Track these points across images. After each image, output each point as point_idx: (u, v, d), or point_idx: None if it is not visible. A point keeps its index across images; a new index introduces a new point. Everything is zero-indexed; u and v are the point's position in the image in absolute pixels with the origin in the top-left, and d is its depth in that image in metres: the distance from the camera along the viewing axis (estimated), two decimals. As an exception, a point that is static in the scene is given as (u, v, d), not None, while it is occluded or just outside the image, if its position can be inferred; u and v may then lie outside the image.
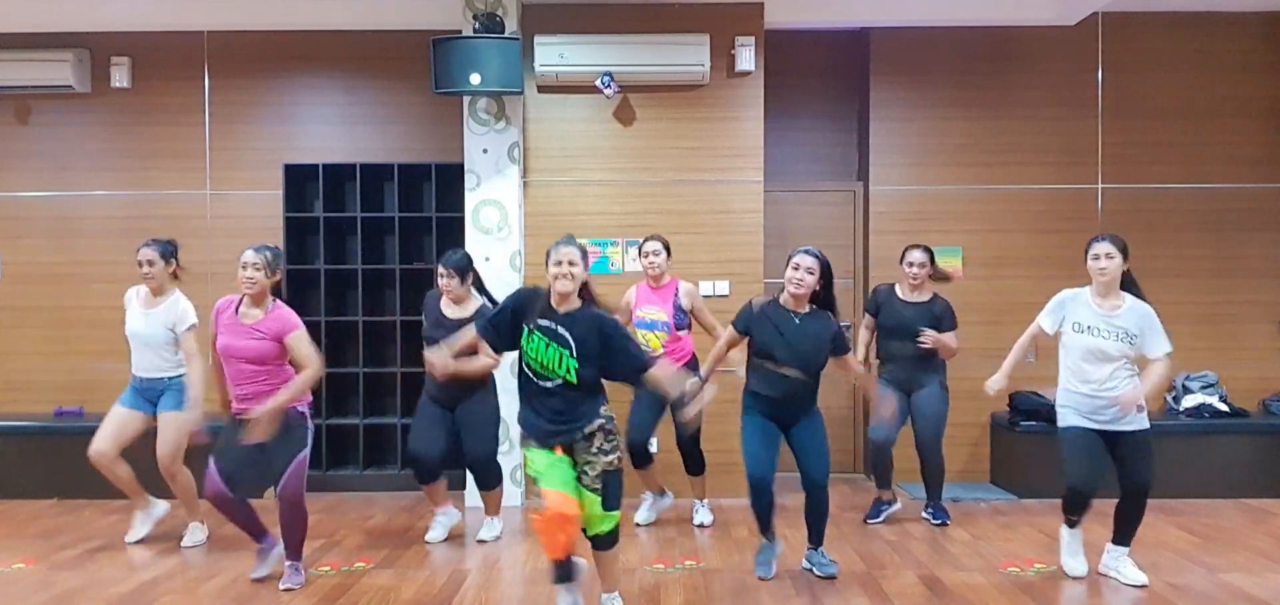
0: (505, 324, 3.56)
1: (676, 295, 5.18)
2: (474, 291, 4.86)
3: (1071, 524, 4.36)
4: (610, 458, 3.49)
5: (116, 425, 4.86)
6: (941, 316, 5.19)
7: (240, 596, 4.12)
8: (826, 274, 4.19)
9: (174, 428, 4.82)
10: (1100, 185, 6.49)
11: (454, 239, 6.05)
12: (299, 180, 6.41)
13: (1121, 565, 4.28)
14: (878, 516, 5.37)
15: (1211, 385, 6.27)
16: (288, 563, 4.26)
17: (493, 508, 5.04)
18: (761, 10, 6.03)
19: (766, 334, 4.19)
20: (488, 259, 5.76)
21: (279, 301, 4.23)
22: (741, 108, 6.06)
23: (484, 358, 4.52)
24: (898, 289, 5.33)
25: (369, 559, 4.68)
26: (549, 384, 3.45)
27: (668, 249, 5.23)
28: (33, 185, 6.56)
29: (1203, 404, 6.13)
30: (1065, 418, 4.24)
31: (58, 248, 6.54)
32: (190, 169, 6.51)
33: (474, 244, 5.80)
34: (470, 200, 5.87)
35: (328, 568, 4.51)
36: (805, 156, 6.78)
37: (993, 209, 6.48)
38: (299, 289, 6.37)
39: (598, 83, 5.85)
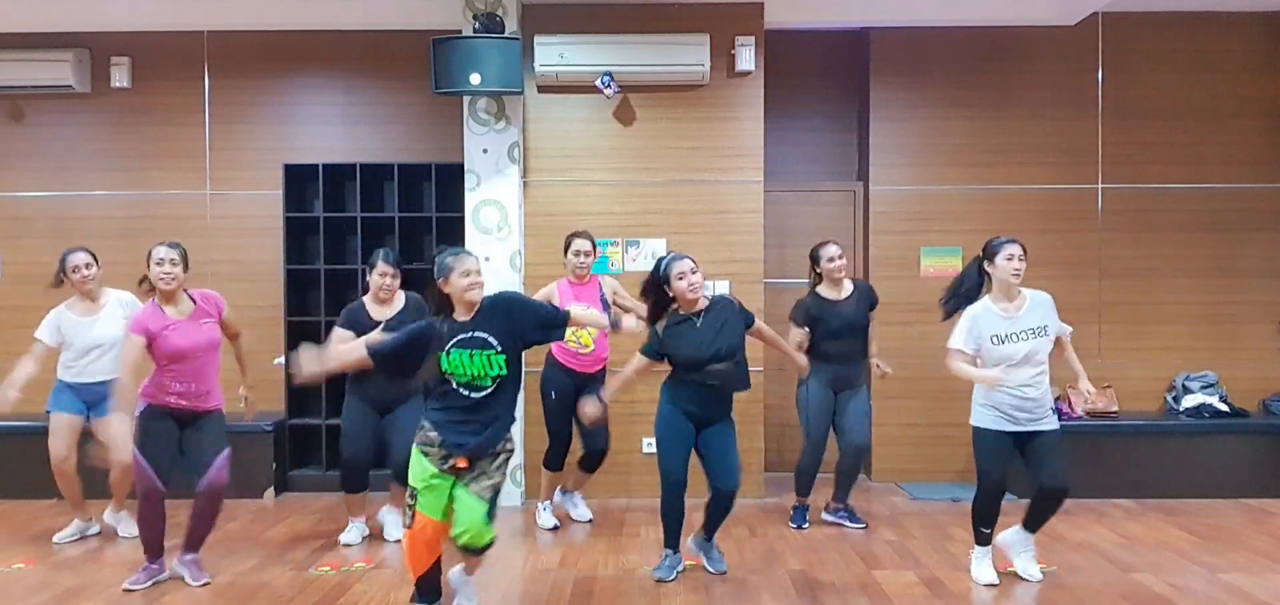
0: (417, 345, 3.55)
1: (600, 290, 5.24)
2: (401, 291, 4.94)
3: (985, 539, 4.29)
4: (501, 476, 3.62)
5: (68, 430, 4.92)
6: (868, 294, 5.26)
7: (240, 596, 4.12)
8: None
9: (124, 426, 4.80)
10: (1100, 185, 6.49)
11: (454, 239, 6.04)
12: (299, 180, 6.41)
13: (1023, 553, 4.30)
14: (804, 522, 5.31)
15: (1211, 385, 6.27)
16: (189, 556, 4.27)
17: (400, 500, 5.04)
18: (761, 10, 6.03)
19: (683, 345, 4.19)
20: (487, 259, 5.76)
21: (186, 289, 4.31)
22: (741, 108, 6.06)
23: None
24: (822, 291, 5.22)
25: (369, 559, 4.68)
26: (482, 393, 3.51)
27: (596, 247, 5.31)
28: (32, 185, 6.56)
29: (1203, 404, 6.13)
30: (983, 417, 4.18)
31: (58, 248, 6.42)
32: (190, 169, 6.51)
33: (474, 244, 5.79)
34: (470, 200, 5.87)
35: (328, 568, 4.51)
36: (805, 156, 6.78)
37: (993, 209, 6.48)
38: (299, 289, 6.38)
39: (598, 83, 5.85)
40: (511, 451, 3.68)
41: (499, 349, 3.49)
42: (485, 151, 5.87)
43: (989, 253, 4.20)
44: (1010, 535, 4.36)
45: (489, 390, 3.51)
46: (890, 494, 6.09)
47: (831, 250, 5.20)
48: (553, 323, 3.67)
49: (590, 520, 5.46)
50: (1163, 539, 5.00)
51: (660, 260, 4.30)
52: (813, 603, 4.03)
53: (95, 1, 6.00)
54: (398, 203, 6.31)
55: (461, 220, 5.98)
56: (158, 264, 4.15)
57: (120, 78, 6.45)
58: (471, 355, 3.48)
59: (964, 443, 6.31)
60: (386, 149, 6.43)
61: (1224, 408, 6.11)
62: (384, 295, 4.88)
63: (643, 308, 4.53)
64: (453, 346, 3.49)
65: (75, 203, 6.53)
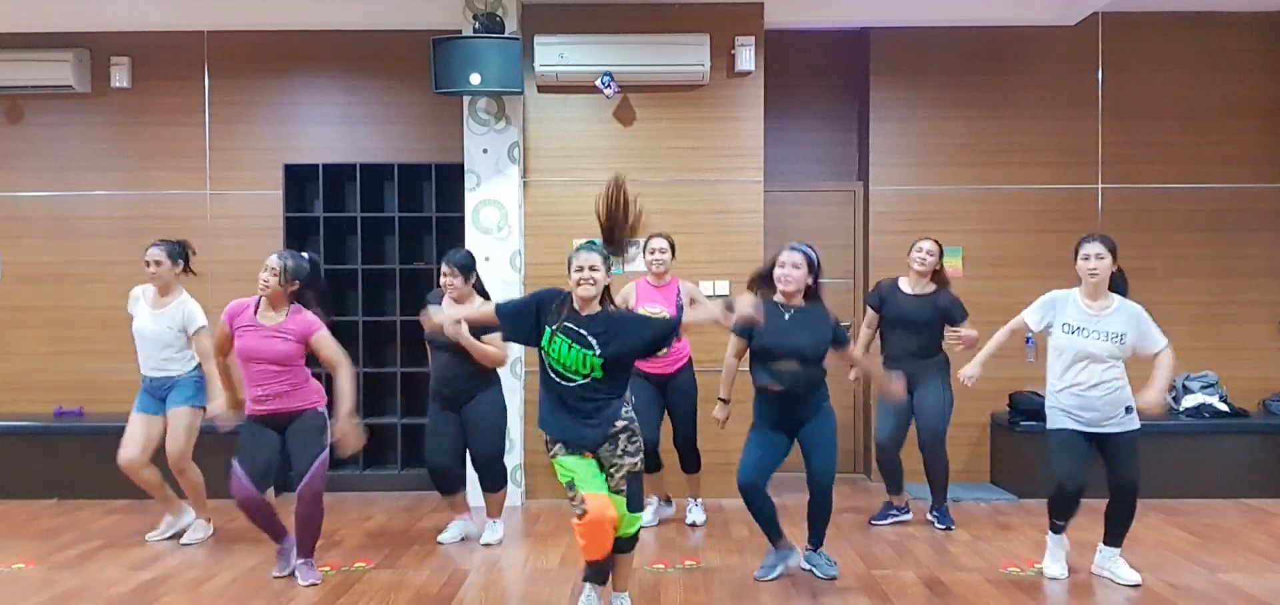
0: (526, 314, 3.59)
1: (678, 294, 5.18)
2: (475, 293, 4.84)
3: (1057, 529, 4.36)
4: (635, 459, 3.57)
5: (140, 430, 4.90)
6: (949, 308, 5.16)
7: (241, 596, 4.12)
8: (815, 269, 4.25)
9: (183, 424, 4.87)
10: (1100, 185, 6.49)
11: (454, 239, 6.05)
12: (299, 180, 6.41)
13: (1114, 566, 4.29)
14: (884, 519, 5.34)
15: (1211, 385, 6.27)
16: (301, 560, 4.29)
17: (495, 510, 5.02)
18: (761, 10, 6.03)
19: (764, 331, 4.19)
20: (487, 259, 5.76)
21: (299, 305, 4.31)
22: (741, 108, 6.06)
23: (490, 346, 4.60)
24: (901, 282, 5.30)
25: (369, 559, 4.68)
26: (574, 384, 3.49)
27: (674, 248, 5.23)
28: (32, 185, 6.56)
29: (1203, 404, 6.13)
30: (1054, 418, 4.24)
31: (58, 248, 6.54)
32: (190, 169, 6.51)
33: (474, 244, 5.79)
34: (470, 200, 5.87)
35: (328, 568, 4.51)
36: (805, 156, 6.78)
37: (993, 209, 6.48)
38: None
39: (598, 83, 5.85)
40: (633, 428, 3.58)
41: (597, 353, 3.46)
42: (485, 151, 5.87)
43: (1076, 249, 4.24)
44: (1099, 559, 4.36)
45: (579, 384, 3.49)
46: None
47: (925, 244, 5.22)
48: (663, 335, 3.66)
49: (704, 522, 5.35)
50: (1163, 539, 5.00)
51: (803, 245, 4.30)
52: (813, 602, 4.03)
53: (95, 1, 6.00)
54: (398, 203, 6.31)
55: (461, 220, 5.98)
56: (261, 270, 4.27)
57: (120, 78, 6.45)
58: (570, 347, 3.47)
59: (965, 443, 6.38)
60: (386, 149, 6.43)
61: (1224, 408, 6.11)
62: (454, 296, 4.72)
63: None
64: (558, 331, 3.49)
65: (75, 203, 6.53)
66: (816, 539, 4.37)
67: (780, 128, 6.57)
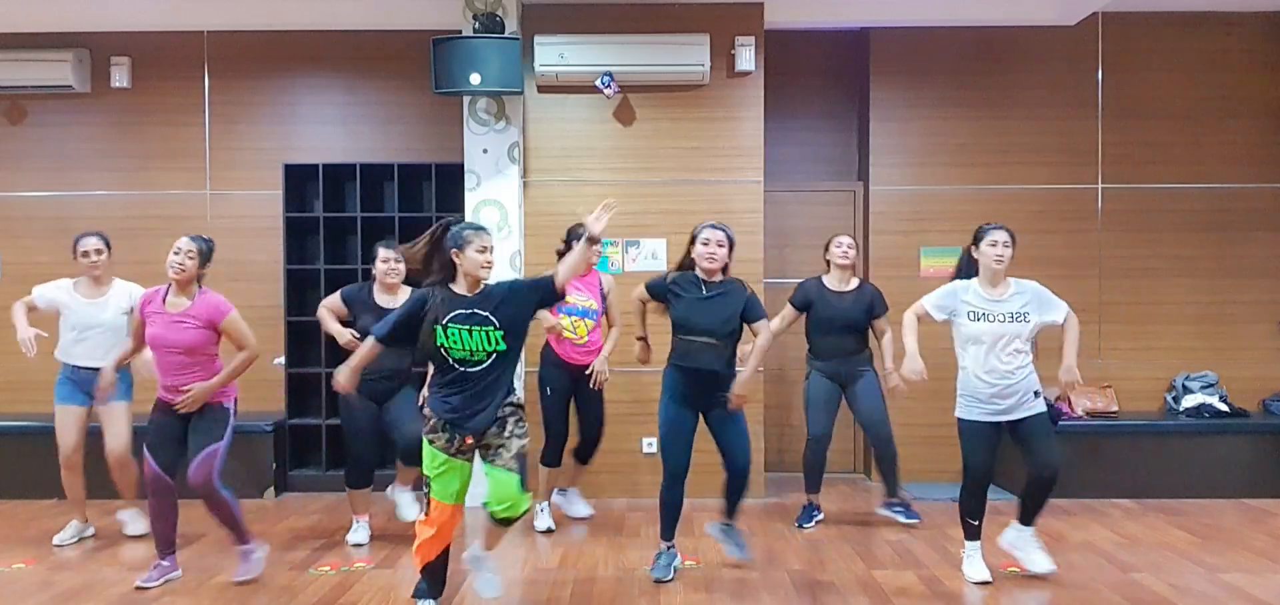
0: (403, 322, 3.62)
1: (601, 285, 5.22)
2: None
3: (974, 530, 4.29)
4: (524, 440, 3.63)
5: (76, 424, 4.88)
6: (873, 301, 5.21)
7: (240, 596, 4.12)
8: (732, 246, 4.32)
9: (124, 417, 4.83)
10: (1100, 185, 6.49)
11: (454, 239, 6.05)
12: (299, 180, 6.41)
13: (1029, 549, 4.29)
14: (810, 521, 5.27)
15: (1211, 385, 6.27)
16: (239, 547, 4.29)
17: (409, 478, 5.00)
18: (761, 10, 6.03)
19: (682, 304, 4.27)
20: (488, 259, 5.76)
21: (207, 288, 4.24)
22: (741, 108, 6.06)
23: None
24: (826, 280, 5.28)
25: (369, 559, 4.68)
26: (478, 368, 3.53)
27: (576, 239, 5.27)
28: (32, 185, 6.56)
29: (1203, 404, 6.13)
30: (962, 408, 4.21)
31: (58, 248, 6.49)
32: (190, 169, 6.52)
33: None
34: (470, 200, 5.87)
35: (328, 568, 4.51)
36: (805, 156, 6.78)
37: (993, 209, 6.45)
38: (299, 289, 6.37)
39: (598, 83, 5.85)
40: (517, 408, 3.65)
41: (497, 325, 3.52)
42: (485, 151, 5.87)
43: (976, 238, 4.26)
44: (1010, 535, 4.37)
45: (485, 365, 3.53)
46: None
47: (843, 240, 5.24)
48: (544, 285, 3.66)
49: (589, 516, 5.46)
50: (1163, 539, 5.00)
51: (701, 224, 4.36)
52: (813, 603, 4.03)
53: (95, 1, 6.00)
54: (398, 203, 6.31)
55: (461, 221, 5.97)
56: (173, 253, 4.14)
57: (120, 78, 6.45)
58: (470, 331, 3.51)
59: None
60: (386, 149, 6.43)
61: (1224, 408, 6.11)
62: (391, 280, 4.85)
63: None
64: (450, 321, 3.51)
65: (75, 203, 6.53)
66: (732, 512, 4.43)
67: (780, 128, 6.57)
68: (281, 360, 6.21)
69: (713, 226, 4.32)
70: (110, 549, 4.88)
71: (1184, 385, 6.31)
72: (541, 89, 6.02)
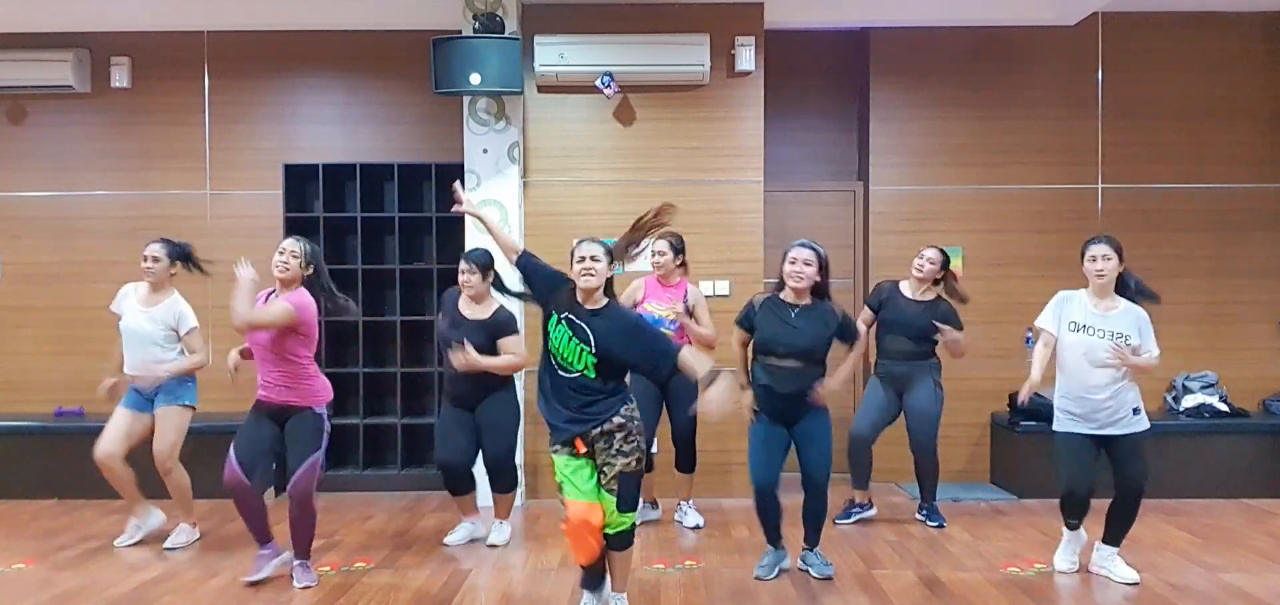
0: (547, 277, 3.61)
1: (686, 296, 5.18)
2: (494, 292, 4.75)
3: (1071, 526, 4.40)
4: (629, 459, 3.51)
5: (122, 425, 4.85)
6: (946, 316, 5.19)
7: (240, 597, 4.12)
8: (824, 266, 4.24)
9: (172, 423, 4.84)
10: (1100, 185, 6.49)
11: (454, 239, 6.05)
12: (299, 180, 6.41)
13: (1112, 565, 4.30)
14: (848, 518, 5.31)
15: (1211, 385, 6.27)
16: (298, 563, 4.25)
17: (503, 511, 4.99)
18: (761, 10, 6.03)
19: (769, 327, 4.21)
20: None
21: (303, 289, 4.19)
22: (741, 108, 6.06)
23: (509, 356, 4.66)
24: (903, 286, 5.32)
25: (369, 559, 4.68)
26: (568, 376, 3.49)
27: (678, 249, 5.21)
28: (33, 185, 6.56)
29: (1203, 404, 6.13)
30: (1061, 422, 4.26)
31: (58, 248, 6.54)
32: (190, 169, 6.52)
33: (474, 244, 5.77)
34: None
35: (328, 568, 4.51)
36: (805, 156, 6.78)
37: (993, 209, 6.48)
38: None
39: (598, 83, 5.85)
40: (630, 427, 3.51)
41: (592, 350, 3.45)
42: (485, 151, 5.87)
43: (1083, 251, 4.27)
44: (1096, 558, 4.37)
45: (573, 376, 3.48)
46: (890, 494, 6.07)
47: (929, 252, 5.24)
48: (660, 356, 3.53)
49: (699, 525, 5.31)
50: (1163, 539, 5.00)
51: (812, 243, 4.27)
52: (813, 602, 4.03)
53: (95, 1, 6.00)
54: (398, 203, 6.31)
55: (462, 220, 5.97)
56: (278, 253, 4.17)
57: (120, 78, 6.45)
58: (569, 338, 3.47)
59: (965, 443, 6.38)
60: (386, 149, 6.43)
61: (1224, 408, 6.11)
62: (471, 294, 4.75)
63: (711, 335, 4.77)
64: (563, 319, 3.49)
65: (75, 203, 6.53)
66: (812, 538, 4.39)
67: (780, 128, 6.57)
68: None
69: (802, 245, 4.22)
70: (110, 549, 4.88)
71: (1184, 385, 6.30)
72: (541, 89, 6.02)
